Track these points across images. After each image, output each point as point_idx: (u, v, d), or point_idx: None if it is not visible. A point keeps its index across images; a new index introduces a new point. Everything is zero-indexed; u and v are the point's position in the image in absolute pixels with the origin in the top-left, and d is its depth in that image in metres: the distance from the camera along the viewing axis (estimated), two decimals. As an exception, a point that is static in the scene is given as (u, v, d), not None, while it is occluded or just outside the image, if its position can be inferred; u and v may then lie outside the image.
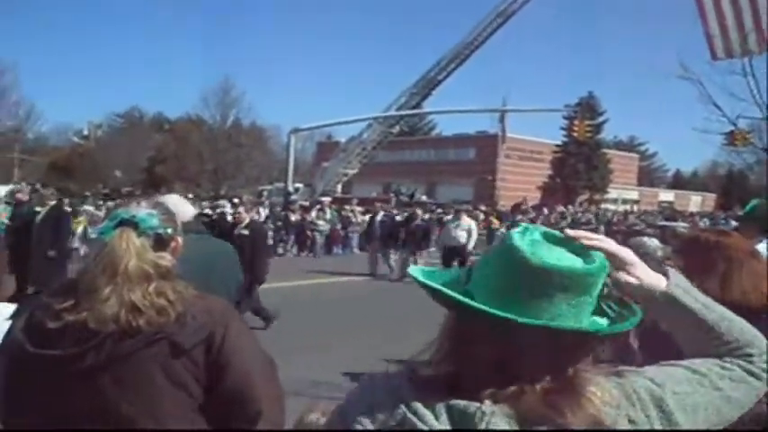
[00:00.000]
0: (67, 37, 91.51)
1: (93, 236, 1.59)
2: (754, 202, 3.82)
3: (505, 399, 0.91)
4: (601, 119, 52.74)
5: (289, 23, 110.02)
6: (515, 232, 0.99)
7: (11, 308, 1.80)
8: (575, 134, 32.49)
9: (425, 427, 0.90)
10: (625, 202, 55.37)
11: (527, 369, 0.93)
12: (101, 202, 21.11)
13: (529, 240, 0.97)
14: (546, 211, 29.66)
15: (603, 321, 0.99)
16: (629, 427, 0.92)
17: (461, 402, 0.92)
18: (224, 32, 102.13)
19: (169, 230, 1.67)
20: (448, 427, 0.91)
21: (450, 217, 16.46)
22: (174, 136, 52.31)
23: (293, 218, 20.53)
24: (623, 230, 19.06)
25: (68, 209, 10.15)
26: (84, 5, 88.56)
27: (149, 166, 50.39)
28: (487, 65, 78.24)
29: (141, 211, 1.64)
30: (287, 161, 30.93)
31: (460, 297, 0.94)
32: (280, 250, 19.51)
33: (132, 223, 1.58)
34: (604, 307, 1.00)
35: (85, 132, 58.28)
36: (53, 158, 49.75)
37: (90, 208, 15.12)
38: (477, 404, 0.91)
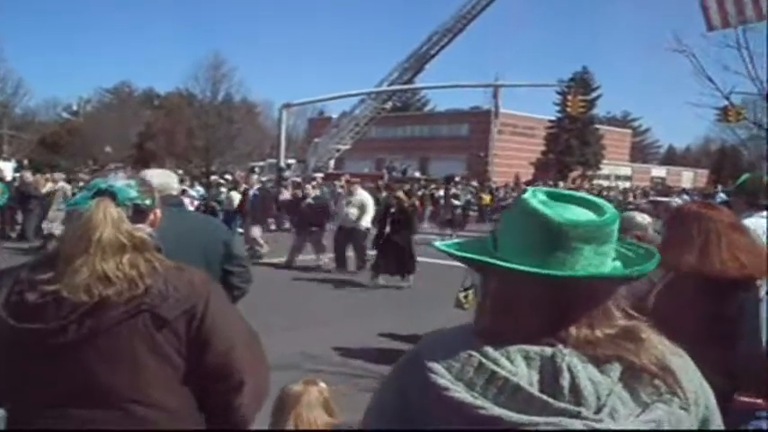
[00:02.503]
0: (56, 10, 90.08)
1: (71, 207, 1.56)
2: (744, 176, 3.84)
3: (577, 343, 0.97)
4: (594, 94, 52.61)
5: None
6: (526, 196, 1.05)
7: None
8: (568, 109, 32.43)
9: (503, 372, 0.94)
10: (618, 177, 55.57)
11: (574, 317, 0.99)
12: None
13: (541, 200, 1.03)
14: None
15: (619, 264, 1.05)
16: (681, 371, 0.99)
17: (534, 347, 0.97)
18: (215, 6, 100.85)
19: (147, 202, 1.66)
20: (525, 370, 0.95)
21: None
22: (165, 111, 51.87)
23: (285, 194, 20.46)
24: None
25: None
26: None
27: (139, 142, 49.99)
28: (481, 40, 77.78)
29: (119, 181, 1.62)
30: (279, 137, 30.74)
31: (509, 264, 0.99)
32: (272, 226, 19.48)
33: (110, 193, 1.57)
34: (622, 250, 1.07)
35: (75, 108, 57.69)
36: (42, 135, 49.26)
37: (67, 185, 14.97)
38: (552, 348, 0.96)
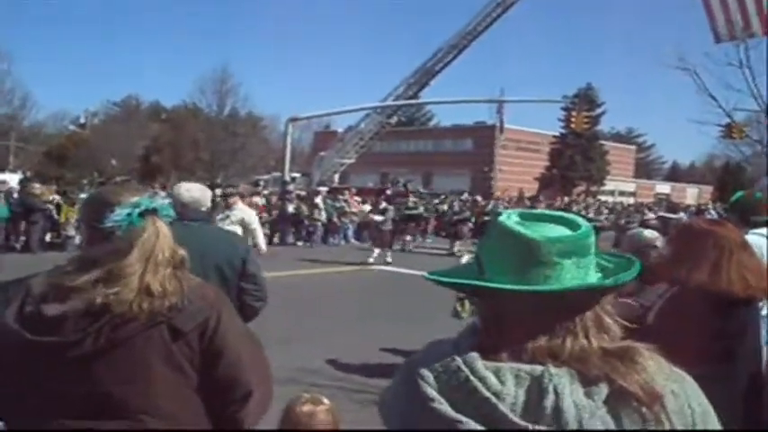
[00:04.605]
0: (65, 24, 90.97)
1: (114, 223, 1.57)
2: (738, 193, 3.85)
3: (569, 358, 0.99)
4: (599, 110, 52.69)
5: (288, 13, 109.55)
6: (502, 218, 1.09)
7: None
8: (572, 125, 32.43)
9: (484, 389, 0.96)
10: (622, 193, 55.48)
11: (565, 329, 1.01)
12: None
13: (515, 221, 1.07)
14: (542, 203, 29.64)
15: (601, 275, 1.08)
16: (671, 398, 0.98)
17: (525, 366, 0.98)
18: (222, 21, 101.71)
19: (173, 215, 1.72)
20: (512, 389, 0.96)
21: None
22: (171, 125, 52.08)
23: (290, 207, 20.50)
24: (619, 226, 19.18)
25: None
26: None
27: (145, 155, 50.16)
28: (486, 56, 78.13)
29: (159, 199, 1.68)
30: (284, 150, 30.81)
31: (495, 284, 1.03)
32: (276, 239, 19.50)
33: (155, 211, 1.62)
34: (602, 261, 1.10)
35: (82, 120, 58.01)
36: (48, 147, 49.48)
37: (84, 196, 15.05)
38: (542, 367, 0.98)
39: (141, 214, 1.59)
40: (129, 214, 1.57)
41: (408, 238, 19.95)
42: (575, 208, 26.42)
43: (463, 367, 0.99)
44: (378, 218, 16.49)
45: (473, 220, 19.85)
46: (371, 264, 15.08)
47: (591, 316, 1.03)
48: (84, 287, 1.51)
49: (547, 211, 1.14)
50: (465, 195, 27.19)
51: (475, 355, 1.01)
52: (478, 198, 26.85)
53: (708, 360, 2.14)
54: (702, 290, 2.36)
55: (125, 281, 1.51)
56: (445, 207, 24.29)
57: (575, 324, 1.02)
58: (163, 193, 1.75)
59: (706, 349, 2.26)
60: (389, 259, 15.43)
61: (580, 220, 1.10)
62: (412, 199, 22.68)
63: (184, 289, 1.57)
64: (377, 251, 15.68)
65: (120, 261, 1.54)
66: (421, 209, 21.60)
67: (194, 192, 3.27)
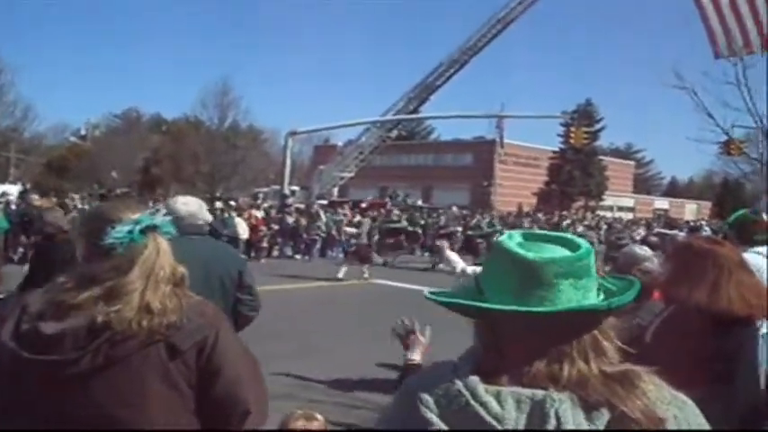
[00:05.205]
0: (66, 36, 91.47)
1: (115, 240, 1.56)
2: (738, 212, 3.86)
3: (569, 383, 0.98)
4: (598, 126, 52.87)
5: (288, 27, 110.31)
6: (502, 239, 1.10)
7: None
8: (571, 141, 32.58)
9: (484, 413, 0.96)
10: (620, 209, 55.51)
11: (563, 353, 1.01)
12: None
13: (517, 242, 1.08)
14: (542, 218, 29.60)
15: (601, 297, 1.08)
16: (673, 424, 0.98)
17: (526, 390, 0.98)
18: (223, 34, 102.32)
19: (174, 232, 1.70)
20: (513, 414, 0.96)
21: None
22: (172, 137, 52.23)
23: (289, 220, 20.51)
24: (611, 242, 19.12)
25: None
26: (83, 4, 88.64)
27: (145, 167, 50.27)
28: (486, 70, 78.49)
29: (160, 216, 1.66)
30: (284, 164, 30.89)
31: (492, 305, 1.03)
32: (275, 253, 19.49)
33: (155, 228, 1.61)
34: (605, 284, 1.10)
35: (83, 132, 58.18)
36: (49, 158, 49.57)
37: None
38: (543, 391, 0.97)
39: (142, 231, 1.58)
40: (130, 231, 1.56)
41: (391, 251, 19.51)
42: (564, 223, 26.05)
43: (464, 391, 0.99)
44: (350, 230, 15.97)
45: (459, 233, 19.55)
46: (341, 279, 14.26)
47: (589, 339, 1.03)
48: (85, 304, 1.50)
49: (550, 232, 1.15)
50: (454, 209, 26.97)
51: (475, 379, 1.01)
52: (461, 211, 26.72)
53: (706, 380, 2.14)
54: (701, 309, 2.35)
55: (126, 298, 1.50)
56: (442, 221, 24.21)
57: (572, 347, 1.01)
58: (164, 210, 1.74)
59: (704, 369, 2.25)
60: (366, 274, 14.72)
61: (581, 240, 1.09)
62: (395, 212, 22.53)
63: (183, 307, 1.57)
64: (345, 268, 14.68)
65: (121, 278, 1.53)
66: (404, 222, 21.29)
67: (191, 205, 3.29)
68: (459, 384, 1.00)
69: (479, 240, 18.28)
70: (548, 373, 1.00)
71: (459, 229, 20.31)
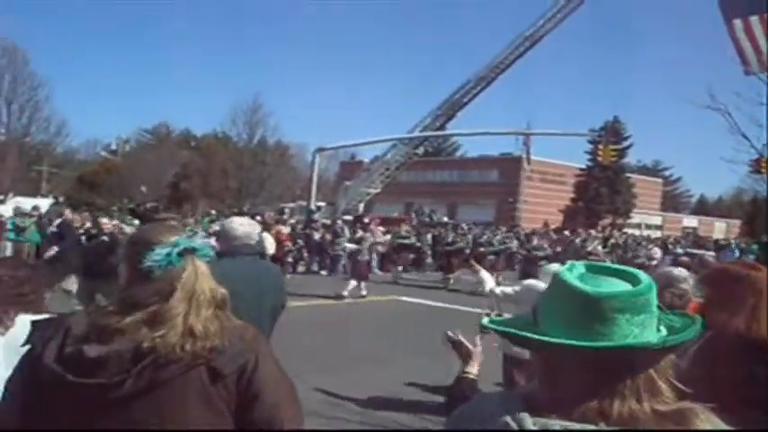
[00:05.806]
0: (100, 53, 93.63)
1: (153, 263, 1.58)
2: None
3: (620, 419, 0.98)
4: (626, 143, 52.32)
5: (317, 45, 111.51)
6: (564, 270, 1.10)
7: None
8: (599, 158, 32.21)
9: None
10: (648, 227, 54.71)
11: (615, 389, 1.00)
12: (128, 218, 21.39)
13: (578, 275, 1.08)
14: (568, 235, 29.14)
15: (663, 333, 1.06)
16: None
17: (575, 425, 0.98)
18: (253, 51, 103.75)
19: (212, 254, 1.73)
20: None
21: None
22: (201, 153, 53.00)
23: (315, 236, 20.56)
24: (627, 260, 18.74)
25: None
26: (117, 21, 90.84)
27: (175, 182, 50.98)
28: (513, 88, 78.38)
29: (198, 239, 1.69)
30: (311, 180, 31.09)
31: (547, 338, 1.03)
32: (300, 268, 19.56)
33: (193, 250, 1.63)
34: (667, 320, 1.09)
35: (114, 147, 59.31)
36: (81, 173, 50.54)
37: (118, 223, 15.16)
38: (593, 426, 0.97)
39: (180, 254, 1.59)
40: (168, 254, 1.58)
41: (399, 268, 19.41)
42: (578, 240, 25.27)
43: (511, 423, 1.00)
44: (351, 246, 15.67)
45: (469, 250, 19.24)
46: (345, 297, 13.87)
47: (644, 378, 1.01)
48: (129, 329, 1.50)
49: (612, 265, 1.13)
50: (463, 225, 26.85)
51: (525, 414, 1.01)
52: (468, 226, 26.52)
53: (744, 406, 2.10)
54: (741, 335, 2.32)
55: (170, 323, 1.51)
56: (469, 238, 24.02)
57: (625, 385, 1.00)
58: (202, 233, 1.74)
59: (742, 395, 2.21)
60: (364, 292, 14.40)
61: (642, 275, 1.07)
62: (405, 228, 22.40)
63: (224, 330, 1.57)
64: (353, 283, 14.28)
65: (164, 303, 1.54)
66: (413, 238, 21.22)
67: (246, 226, 3.50)
68: (508, 419, 1.01)
69: (491, 257, 18.09)
70: (598, 409, 0.99)
71: (464, 245, 19.97)
